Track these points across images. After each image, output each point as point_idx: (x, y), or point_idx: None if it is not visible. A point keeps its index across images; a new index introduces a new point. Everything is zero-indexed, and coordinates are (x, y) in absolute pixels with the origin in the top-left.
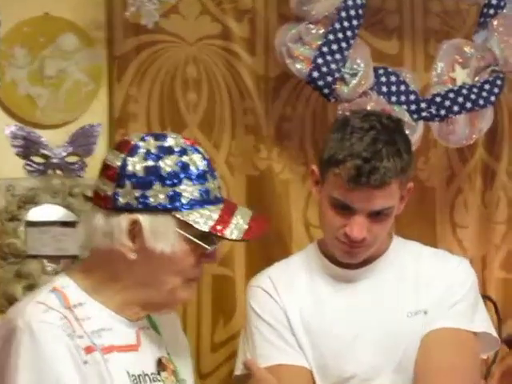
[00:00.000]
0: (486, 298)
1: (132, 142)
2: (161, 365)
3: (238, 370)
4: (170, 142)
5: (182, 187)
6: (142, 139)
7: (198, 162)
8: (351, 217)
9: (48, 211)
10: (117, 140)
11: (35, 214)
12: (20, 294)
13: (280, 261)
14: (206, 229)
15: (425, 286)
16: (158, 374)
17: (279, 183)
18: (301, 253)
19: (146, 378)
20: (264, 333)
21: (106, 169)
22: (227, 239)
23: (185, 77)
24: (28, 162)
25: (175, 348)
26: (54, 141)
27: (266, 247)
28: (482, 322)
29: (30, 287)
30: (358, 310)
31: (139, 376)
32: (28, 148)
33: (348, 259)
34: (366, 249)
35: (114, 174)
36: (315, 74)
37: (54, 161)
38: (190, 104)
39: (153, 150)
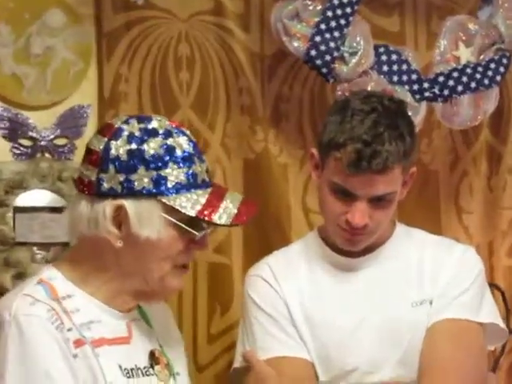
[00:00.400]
0: (493, 286)
1: (115, 126)
2: (153, 358)
3: (237, 363)
4: (154, 124)
5: (168, 171)
6: (126, 122)
7: (183, 145)
8: (352, 203)
9: (36, 196)
10: (106, 122)
11: (23, 199)
12: (9, 283)
13: (279, 249)
14: (192, 213)
15: (430, 275)
16: (151, 367)
17: (277, 167)
18: (300, 241)
19: (139, 371)
20: (264, 324)
21: (89, 153)
22: (215, 224)
23: (177, 55)
24: (15, 145)
25: (168, 340)
26: (42, 122)
27: (264, 234)
28: (489, 312)
29: (19, 276)
30: (361, 300)
31: (132, 370)
32: (14, 130)
33: (349, 247)
34: (368, 236)
35: (97, 159)
36: (313, 53)
37: (42, 143)
38: (182, 83)
39: (136, 133)
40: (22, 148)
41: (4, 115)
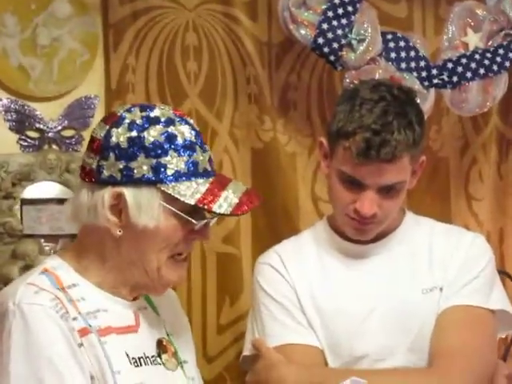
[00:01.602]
0: (503, 273)
1: (118, 114)
2: (161, 346)
3: (247, 351)
4: (156, 112)
5: (167, 158)
6: (128, 110)
7: (185, 133)
8: (361, 192)
9: (44, 188)
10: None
11: (31, 191)
12: (16, 276)
13: (289, 238)
14: (191, 202)
15: (439, 262)
16: (159, 356)
17: (285, 156)
18: (309, 229)
19: (147, 360)
20: (273, 311)
21: (91, 141)
22: (215, 213)
23: (184, 44)
24: (22, 137)
25: (175, 328)
26: (49, 114)
27: (273, 223)
28: (499, 299)
29: (27, 268)
30: (370, 287)
31: (140, 358)
32: (22, 122)
33: (358, 236)
34: (377, 225)
35: (98, 146)
36: (320, 41)
37: (50, 135)
38: (190, 73)
39: (138, 121)
40: (29, 140)
41: (11, 107)
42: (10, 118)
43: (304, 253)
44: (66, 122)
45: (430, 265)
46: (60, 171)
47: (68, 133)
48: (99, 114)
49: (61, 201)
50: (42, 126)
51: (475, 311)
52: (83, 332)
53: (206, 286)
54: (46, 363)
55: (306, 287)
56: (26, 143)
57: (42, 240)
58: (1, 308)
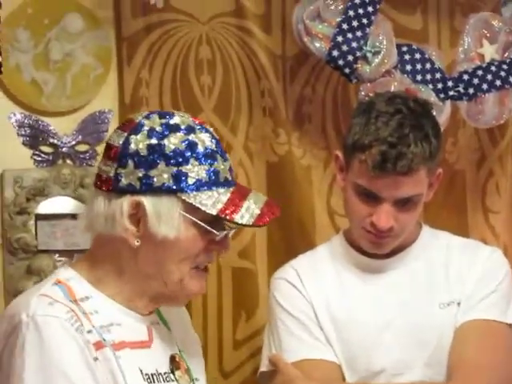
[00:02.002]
0: None
1: (136, 121)
2: (174, 363)
3: (264, 367)
4: (176, 119)
5: (188, 167)
6: (147, 117)
7: (206, 142)
8: (377, 205)
9: (58, 203)
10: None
11: (45, 206)
12: None
13: (304, 253)
14: (213, 212)
15: (456, 277)
16: (172, 372)
17: (300, 169)
18: (325, 244)
19: (160, 377)
20: (290, 327)
21: (108, 149)
22: (237, 224)
23: (198, 58)
24: (36, 152)
25: (186, 345)
26: (62, 129)
27: (289, 238)
28: None
29: None
30: (388, 302)
31: (153, 375)
32: (35, 137)
33: (375, 250)
34: (394, 239)
35: (116, 154)
36: (335, 53)
37: (63, 150)
38: (204, 86)
39: (157, 128)
40: (43, 155)
41: (24, 122)
42: (23, 133)
43: (320, 268)
44: (79, 136)
45: (447, 279)
46: (74, 186)
47: (82, 147)
48: (113, 128)
49: (75, 216)
50: (55, 141)
51: (493, 325)
52: (98, 346)
53: (222, 300)
54: (61, 377)
55: (322, 302)
56: (39, 158)
57: (57, 255)
58: (13, 320)
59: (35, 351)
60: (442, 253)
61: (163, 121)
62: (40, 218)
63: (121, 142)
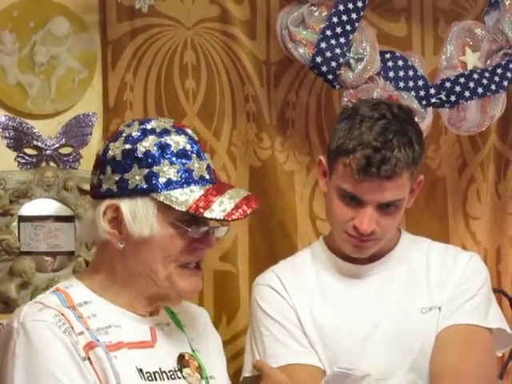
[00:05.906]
0: (500, 292)
1: (119, 129)
2: (182, 361)
3: (247, 372)
4: (153, 124)
5: (159, 167)
6: (128, 125)
7: (180, 143)
8: (360, 209)
9: (41, 205)
10: (112, 130)
11: (28, 208)
12: (13, 293)
13: (286, 258)
14: (183, 208)
15: (437, 282)
16: (180, 370)
17: (283, 174)
18: (307, 249)
19: (164, 375)
20: (274, 332)
21: (95, 159)
22: (206, 219)
23: (182, 63)
24: (20, 155)
25: (203, 344)
26: (47, 131)
27: (271, 241)
28: (496, 317)
29: (24, 285)
30: (370, 307)
31: (155, 373)
32: (19, 139)
33: (357, 254)
34: (375, 242)
35: (97, 161)
36: (319, 59)
37: (47, 153)
38: (188, 91)
39: (133, 134)
40: (26, 157)
41: (9, 124)
42: (7, 135)
43: (303, 273)
44: (63, 139)
45: (428, 284)
46: (57, 189)
47: (66, 150)
48: (97, 131)
49: (58, 218)
50: (39, 144)
51: (474, 330)
52: (89, 346)
53: (203, 303)
54: (49, 377)
55: (306, 308)
56: (23, 160)
57: (39, 257)
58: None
59: (24, 354)
60: (423, 258)
61: (141, 126)
62: (23, 219)
63: (102, 150)
